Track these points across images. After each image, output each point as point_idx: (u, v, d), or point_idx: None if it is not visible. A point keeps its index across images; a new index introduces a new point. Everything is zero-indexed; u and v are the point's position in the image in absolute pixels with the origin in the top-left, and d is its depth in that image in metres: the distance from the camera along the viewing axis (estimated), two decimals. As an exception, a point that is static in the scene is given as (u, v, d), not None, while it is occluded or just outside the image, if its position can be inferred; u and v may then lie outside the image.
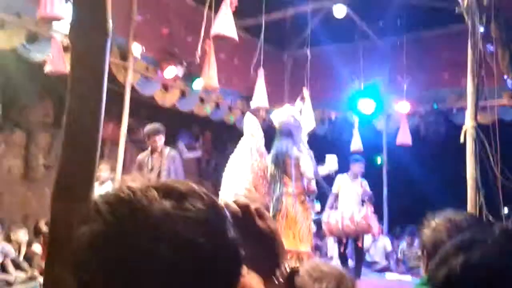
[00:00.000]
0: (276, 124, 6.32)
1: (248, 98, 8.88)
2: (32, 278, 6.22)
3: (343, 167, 7.51)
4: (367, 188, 7.62)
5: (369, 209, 7.17)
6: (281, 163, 6.10)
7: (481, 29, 4.74)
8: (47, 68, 6.05)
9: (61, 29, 6.11)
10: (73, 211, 1.12)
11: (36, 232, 6.90)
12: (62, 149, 1.14)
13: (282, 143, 6.21)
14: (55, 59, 6.00)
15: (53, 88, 7.47)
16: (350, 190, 7.37)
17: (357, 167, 7.50)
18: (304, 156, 5.99)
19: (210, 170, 10.14)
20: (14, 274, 6.16)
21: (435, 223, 1.78)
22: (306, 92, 8.36)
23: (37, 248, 6.59)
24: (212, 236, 0.67)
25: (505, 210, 6.29)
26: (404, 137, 8.96)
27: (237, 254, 0.71)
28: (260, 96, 7.63)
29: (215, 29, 6.06)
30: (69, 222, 1.10)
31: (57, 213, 1.11)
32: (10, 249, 6.29)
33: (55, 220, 1.12)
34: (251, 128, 6.46)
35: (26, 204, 7.43)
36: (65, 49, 6.08)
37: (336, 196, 7.40)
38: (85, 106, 1.16)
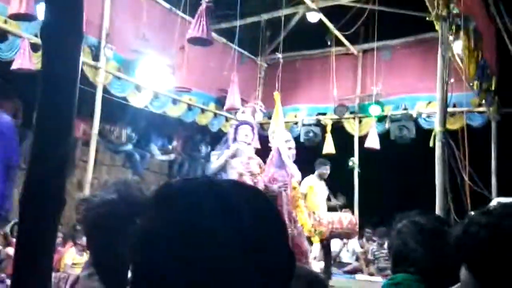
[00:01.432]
0: None
1: (220, 100, 8.88)
2: (-1, 281, 6.07)
3: (313, 171, 7.58)
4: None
5: (353, 216, 7.28)
6: None
7: (450, 37, 4.86)
8: (14, 66, 5.94)
9: (31, 28, 6.02)
10: (44, 213, 1.10)
11: (6, 235, 6.71)
12: (31, 150, 1.12)
13: None
14: (23, 57, 5.90)
15: (22, 87, 7.31)
16: (321, 191, 7.43)
17: (325, 170, 7.56)
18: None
19: (183, 173, 10.07)
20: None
21: (401, 225, 1.83)
22: (277, 95, 8.41)
23: (10, 250, 6.41)
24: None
25: (473, 213, 6.43)
26: (372, 141, 9.10)
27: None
28: (233, 99, 7.64)
29: (191, 32, 6.06)
30: (38, 224, 1.09)
31: (26, 215, 1.10)
32: None
33: (24, 222, 1.10)
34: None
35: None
36: (34, 47, 5.99)
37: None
38: (57, 107, 1.15)
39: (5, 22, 5.90)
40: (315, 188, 7.32)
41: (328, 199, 7.66)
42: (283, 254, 0.71)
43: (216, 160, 6.25)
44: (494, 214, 1.02)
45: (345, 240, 8.56)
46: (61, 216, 1.12)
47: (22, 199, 1.10)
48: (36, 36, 6.00)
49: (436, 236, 1.70)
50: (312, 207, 7.12)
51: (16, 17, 5.53)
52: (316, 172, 7.47)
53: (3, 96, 7.55)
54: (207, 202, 0.68)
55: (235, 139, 6.17)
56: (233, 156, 6.18)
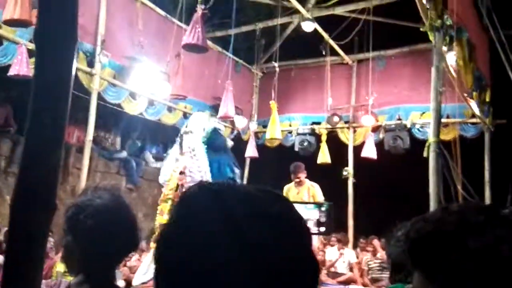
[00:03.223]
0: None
1: (215, 108, 8.89)
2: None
3: (311, 179, 7.56)
4: (317, 194, 7.41)
5: None
6: None
7: (444, 48, 4.89)
8: (11, 72, 5.91)
9: (27, 33, 6.01)
10: (34, 219, 1.09)
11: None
12: (22, 156, 1.11)
13: None
14: (20, 63, 5.88)
15: (17, 93, 7.29)
16: (295, 198, 7.33)
17: (294, 180, 7.40)
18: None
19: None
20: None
21: (400, 233, 1.81)
22: (273, 104, 8.41)
23: (1, 259, 6.32)
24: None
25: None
26: (369, 151, 9.12)
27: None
28: (227, 107, 7.64)
29: (186, 39, 6.07)
30: (29, 231, 1.08)
31: (17, 222, 1.09)
32: None
33: (13, 229, 1.09)
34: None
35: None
36: (31, 54, 5.98)
37: None
38: (49, 112, 1.14)
39: (0, 27, 5.88)
40: (290, 195, 7.29)
41: None
42: (297, 262, 0.70)
43: None
44: (443, 211, 0.98)
45: (341, 251, 8.53)
46: (51, 223, 1.11)
47: (13, 205, 1.09)
48: (32, 42, 5.99)
49: None
50: None
51: (11, 23, 5.50)
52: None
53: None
54: (208, 207, 0.70)
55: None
56: None
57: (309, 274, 0.72)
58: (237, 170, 6.97)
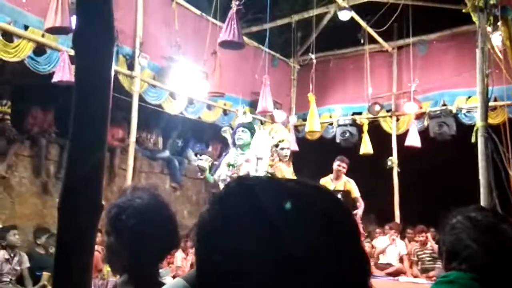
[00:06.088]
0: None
1: (254, 103, 8.89)
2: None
3: (351, 171, 7.42)
4: (353, 189, 7.10)
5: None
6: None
7: (489, 28, 4.70)
8: (55, 79, 6.10)
9: (68, 41, 6.18)
10: (81, 220, 1.11)
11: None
12: (67, 158, 1.13)
13: None
14: (63, 70, 6.06)
15: (58, 99, 7.49)
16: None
17: (336, 166, 7.09)
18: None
19: (220, 177, 10.10)
20: (30, 283, 6.21)
21: (455, 220, 1.75)
22: (311, 96, 8.32)
23: None
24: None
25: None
26: (413, 139, 8.91)
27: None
28: (265, 102, 7.62)
29: (222, 36, 6.08)
30: (77, 231, 1.09)
31: (64, 223, 1.10)
32: (25, 258, 6.32)
33: (62, 230, 1.11)
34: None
35: (39, 216, 7.43)
36: (73, 60, 6.13)
37: None
38: (91, 112, 1.15)
39: (43, 36, 6.07)
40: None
41: None
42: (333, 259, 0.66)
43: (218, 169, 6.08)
44: None
45: (393, 237, 8.37)
46: (98, 223, 1.12)
47: (60, 207, 1.11)
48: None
49: (492, 233, 1.61)
50: None
51: (52, 30, 5.67)
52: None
53: (40, 108, 7.78)
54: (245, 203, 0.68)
55: (234, 143, 6.04)
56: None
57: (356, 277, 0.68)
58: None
